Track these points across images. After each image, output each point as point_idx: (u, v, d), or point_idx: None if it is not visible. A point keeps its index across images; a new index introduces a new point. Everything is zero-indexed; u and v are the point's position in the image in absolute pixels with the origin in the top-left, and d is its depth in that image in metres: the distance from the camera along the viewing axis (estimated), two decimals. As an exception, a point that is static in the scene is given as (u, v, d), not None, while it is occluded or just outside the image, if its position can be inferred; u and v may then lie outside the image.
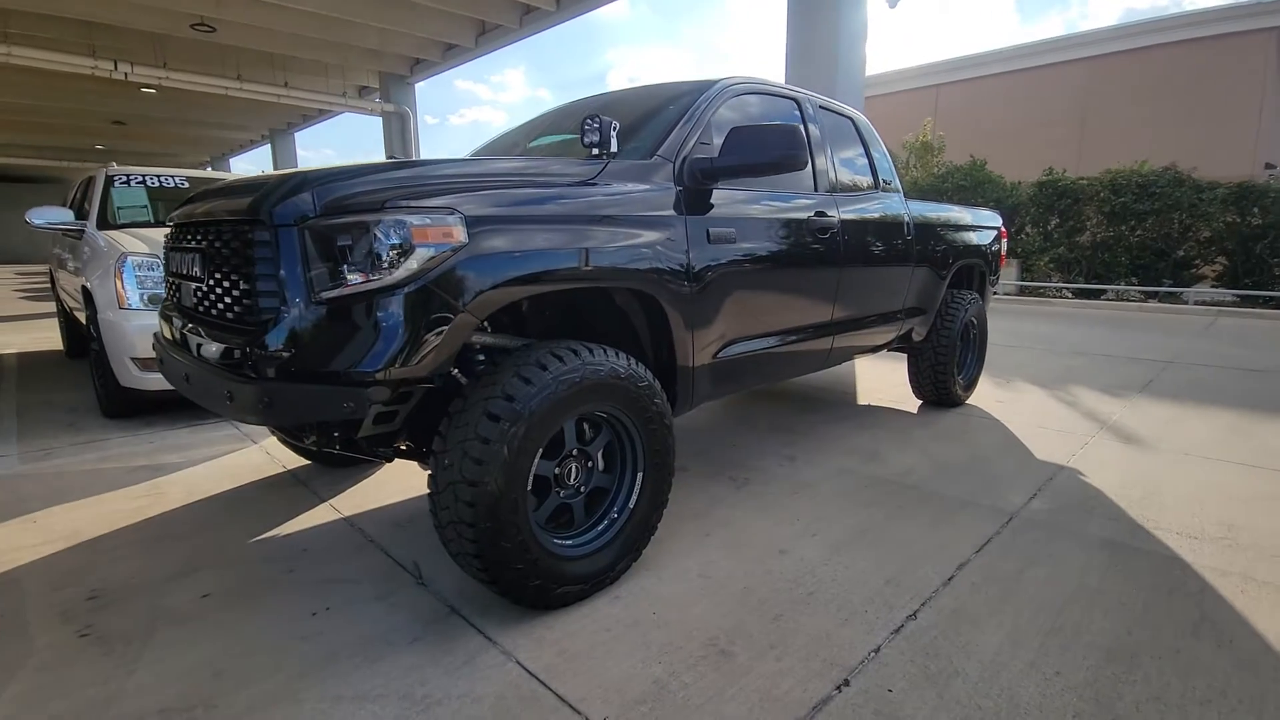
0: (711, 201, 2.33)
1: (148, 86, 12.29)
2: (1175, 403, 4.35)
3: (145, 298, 3.52)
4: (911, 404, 4.30)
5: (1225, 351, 6.34)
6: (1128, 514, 2.59)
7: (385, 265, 1.55)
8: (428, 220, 1.57)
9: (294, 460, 3.17)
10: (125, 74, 10.90)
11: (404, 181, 1.68)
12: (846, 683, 1.59)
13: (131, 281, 3.51)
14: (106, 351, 3.58)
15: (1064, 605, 1.93)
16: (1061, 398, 4.50)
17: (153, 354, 3.39)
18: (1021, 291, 12.38)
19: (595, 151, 2.08)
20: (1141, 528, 2.46)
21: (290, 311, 1.56)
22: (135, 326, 3.47)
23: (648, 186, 2.13)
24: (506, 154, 3.12)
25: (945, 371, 4.03)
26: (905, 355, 4.14)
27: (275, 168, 20.75)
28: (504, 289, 1.69)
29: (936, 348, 3.99)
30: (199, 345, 1.84)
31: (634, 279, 2.00)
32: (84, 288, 3.95)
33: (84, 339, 5.33)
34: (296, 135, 20.18)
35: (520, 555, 1.72)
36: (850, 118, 3.41)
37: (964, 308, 4.07)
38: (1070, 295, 11.93)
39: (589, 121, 2.04)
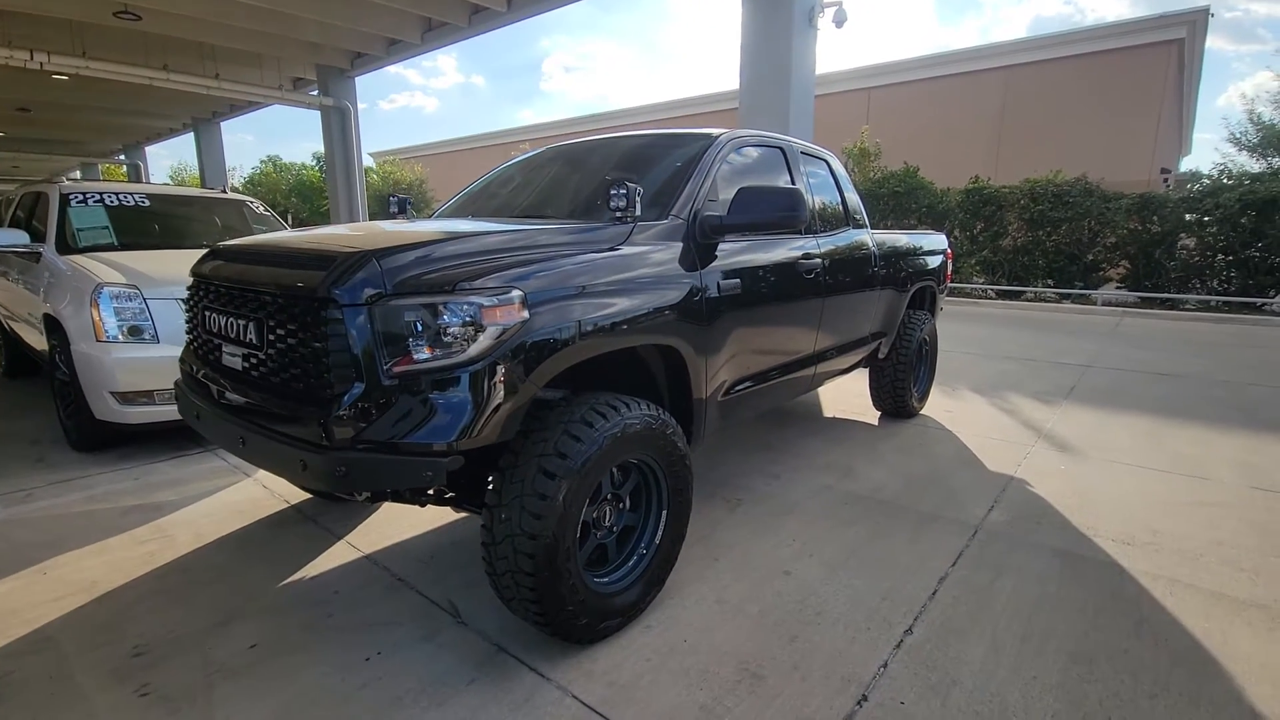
0: (716, 253, 2.53)
1: (61, 74, 11.42)
2: (1097, 409, 4.87)
3: (125, 329, 3.43)
4: (872, 415, 4.65)
5: (1133, 354, 7.06)
6: (1071, 522, 2.97)
7: (457, 343, 1.67)
8: (495, 300, 1.70)
9: (294, 494, 3.19)
10: (41, 64, 10.11)
11: (463, 257, 1.80)
12: (865, 698, 1.84)
13: (109, 313, 3.41)
14: (81, 384, 3.47)
15: (1031, 613, 2.25)
16: (1001, 405, 4.97)
17: (135, 388, 3.35)
18: (950, 293, 13.21)
19: (619, 215, 2.23)
20: (1084, 535, 2.84)
21: (363, 386, 1.66)
22: (115, 360, 3.39)
23: (668, 246, 2.31)
24: (507, 189, 3.24)
25: (903, 386, 4.39)
26: (866, 371, 4.49)
27: (199, 158, 19.62)
28: (561, 356, 1.85)
29: (896, 365, 4.34)
30: (252, 410, 1.90)
31: (663, 335, 2.19)
32: (47, 315, 3.79)
33: (26, 359, 5.08)
34: (224, 125, 19.10)
35: (572, 597, 1.88)
36: (824, 159, 3.69)
37: (919, 327, 4.45)
38: (994, 296, 12.84)
39: (615, 188, 2.19)
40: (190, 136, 19.90)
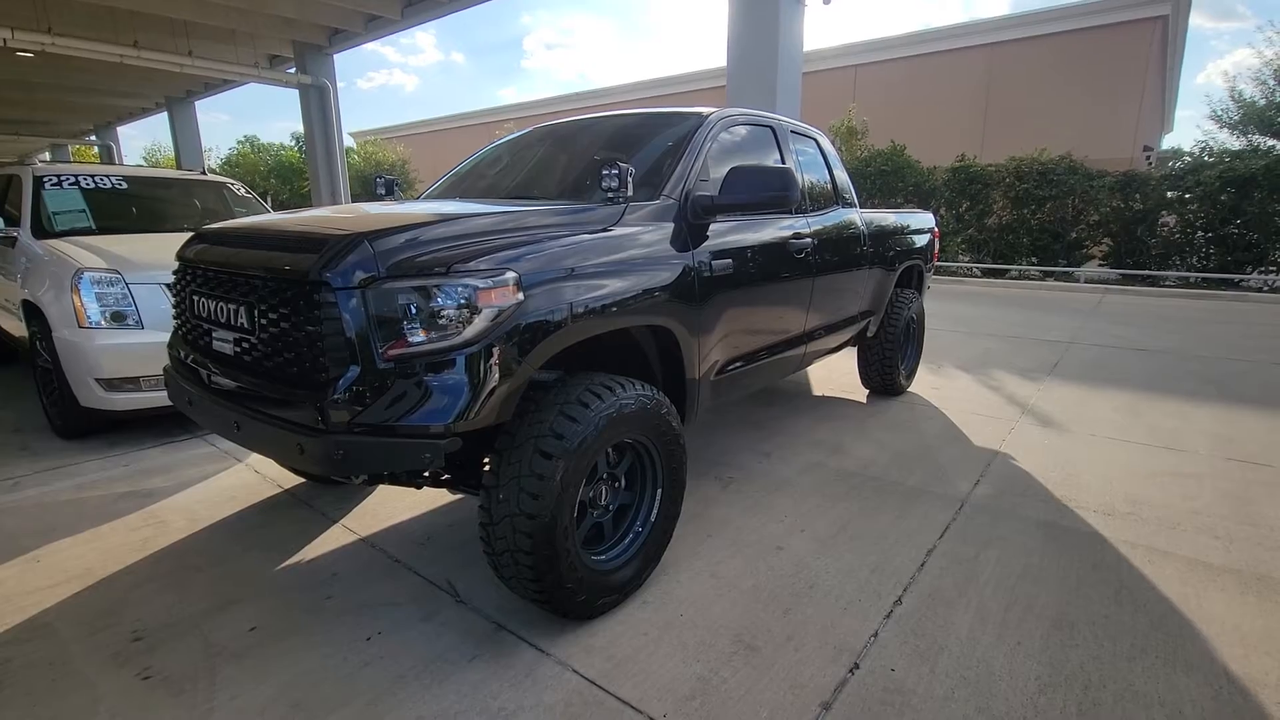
0: (708, 234, 2.54)
1: (26, 51, 11.05)
2: (1079, 384, 4.97)
3: (108, 315, 3.38)
4: (860, 393, 4.71)
5: (1114, 331, 7.18)
6: (1054, 495, 3.04)
7: (452, 325, 1.68)
8: (490, 283, 1.70)
9: (287, 478, 3.18)
10: (4, 40, 9.77)
11: (457, 239, 1.80)
12: (857, 666, 1.90)
13: (91, 299, 3.36)
14: (65, 371, 3.42)
15: (1016, 582, 2.32)
16: (986, 382, 5.05)
17: (120, 374, 3.31)
18: (936, 271, 13.29)
19: (611, 196, 2.23)
20: (1067, 507, 2.91)
21: (358, 369, 1.66)
22: (99, 346, 3.34)
23: (660, 227, 2.31)
24: (495, 169, 3.21)
25: (891, 364, 4.44)
26: (854, 349, 4.53)
27: (174, 138, 19.13)
28: (556, 337, 1.85)
29: (884, 343, 4.39)
30: (245, 394, 1.89)
31: (656, 315, 2.20)
32: (26, 301, 3.72)
33: (3, 346, 4.99)
34: (197, 104, 18.62)
35: (570, 575, 1.91)
36: (814, 138, 3.68)
37: (907, 306, 4.49)
38: (979, 274, 12.95)
39: (607, 169, 2.19)
40: (164, 116, 19.38)
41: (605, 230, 2.15)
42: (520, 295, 1.76)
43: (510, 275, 1.75)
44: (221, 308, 1.97)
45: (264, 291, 1.82)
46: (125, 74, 14.10)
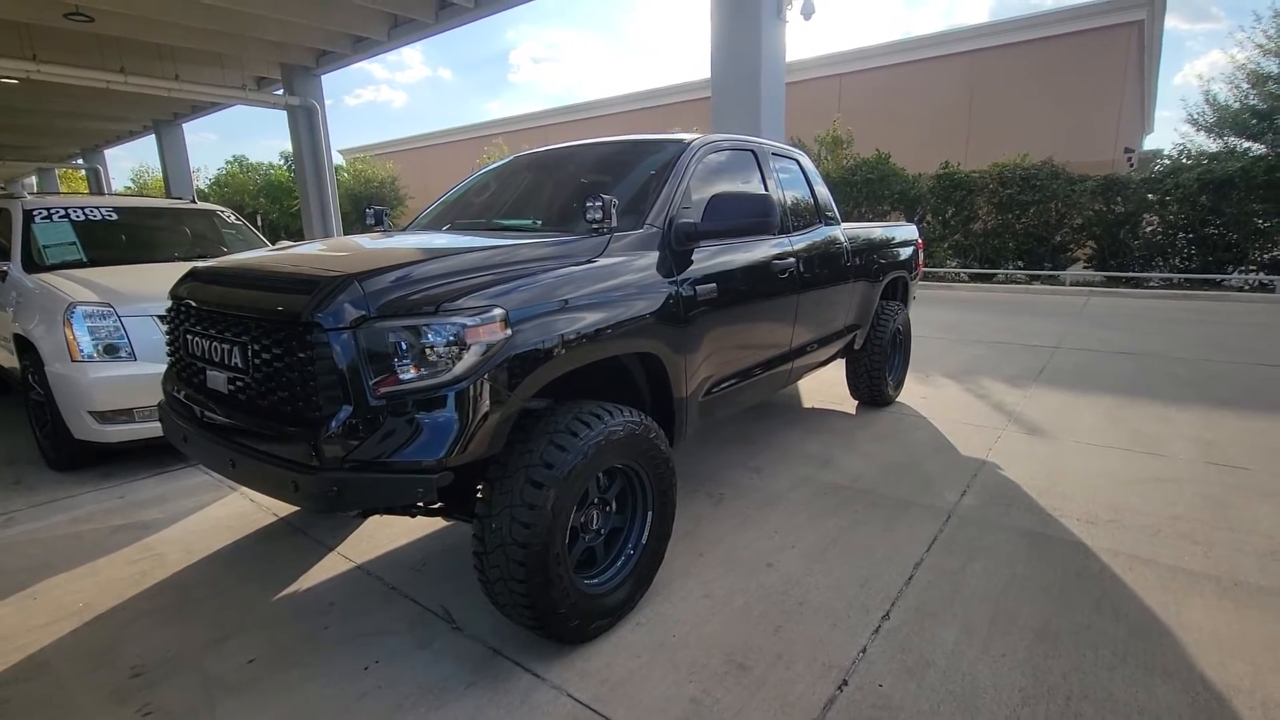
0: (692, 259, 2.59)
1: (10, 78, 11.07)
2: (1064, 390, 5.05)
3: (100, 348, 3.40)
4: (849, 405, 4.77)
5: (1099, 334, 7.28)
6: (1039, 504, 3.10)
7: (442, 362, 1.72)
8: (479, 320, 1.75)
9: (282, 506, 3.20)
10: (-11, 68, 9.81)
11: (445, 276, 1.85)
12: (845, 682, 1.94)
13: (84, 332, 3.38)
14: (58, 404, 3.44)
15: (1000, 594, 2.37)
16: (973, 390, 5.12)
17: (114, 407, 3.34)
18: (925, 276, 13.43)
19: (596, 227, 2.29)
20: (1051, 516, 2.97)
21: (351, 407, 1.70)
22: (92, 380, 3.36)
23: (645, 255, 2.37)
24: (482, 197, 3.27)
25: (879, 376, 4.51)
26: (843, 361, 4.60)
27: (162, 160, 19.13)
28: (545, 369, 1.90)
29: (871, 355, 4.46)
30: (239, 431, 1.93)
31: (643, 342, 2.25)
32: (17, 335, 3.74)
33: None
34: (185, 125, 18.64)
35: (563, 600, 1.95)
36: (795, 158, 3.76)
37: (893, 318, 4.56)
38: (966, 279, 13.09)
39: (591, 200, 2.24)
40: (151, 138, 19.38)
41: (591, 261, 2.20)
42: (508, 331, 1.81)
43: (498, 312, 1.80)
44: (215, 346, 2.01)
45: (257, 331, 1.86)
46: (112, 98, 14.11)
